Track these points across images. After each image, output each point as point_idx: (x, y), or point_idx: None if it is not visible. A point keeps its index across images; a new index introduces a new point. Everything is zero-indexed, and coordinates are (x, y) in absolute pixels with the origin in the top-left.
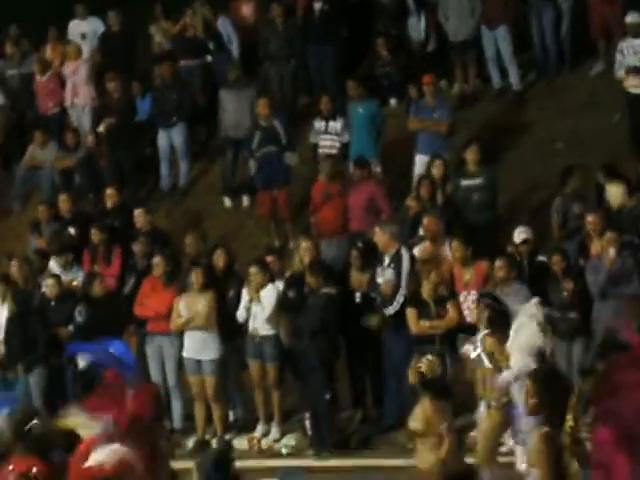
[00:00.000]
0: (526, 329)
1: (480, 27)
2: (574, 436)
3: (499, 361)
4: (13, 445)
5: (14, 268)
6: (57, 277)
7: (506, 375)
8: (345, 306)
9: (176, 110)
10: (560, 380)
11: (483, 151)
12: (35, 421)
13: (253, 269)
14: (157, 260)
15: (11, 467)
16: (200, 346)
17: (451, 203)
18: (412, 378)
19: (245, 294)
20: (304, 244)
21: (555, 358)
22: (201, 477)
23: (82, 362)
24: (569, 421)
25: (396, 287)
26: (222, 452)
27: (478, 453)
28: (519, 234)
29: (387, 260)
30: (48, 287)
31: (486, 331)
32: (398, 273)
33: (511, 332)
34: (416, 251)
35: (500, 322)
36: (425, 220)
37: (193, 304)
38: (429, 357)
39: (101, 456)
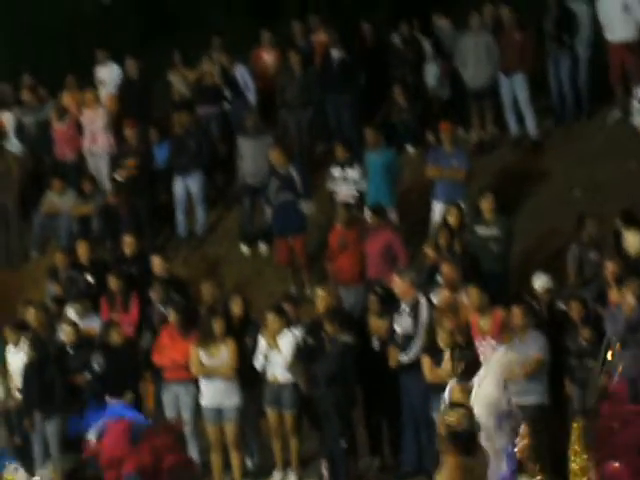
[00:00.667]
0: (488, 379)
1: (497, 74)
2: (585, 474)
3: None
4: None
5: (31, 315)
6: (74, 324)
7: None
8: (363, 353)
9: (194, 157)
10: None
11: (498, 200)
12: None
13: (270, 315)
14: (171, 312)
15: None
16: (222, 394)
17: (468, 251)
18: (441, 429)
19: (262, 341)
20: (320, 292)
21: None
22: None
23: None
24: (577, 462)
25: (412, 336)
26: None
27: None
28: (539, 282)
29: (406, 308)
30: (65, 333)
31: (455, 381)
32: (416, 322)
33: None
34: (434, 299)
35: (472, 373)
36: (444, 268)
37: (215, 353)
38: (459, 410)
39: None
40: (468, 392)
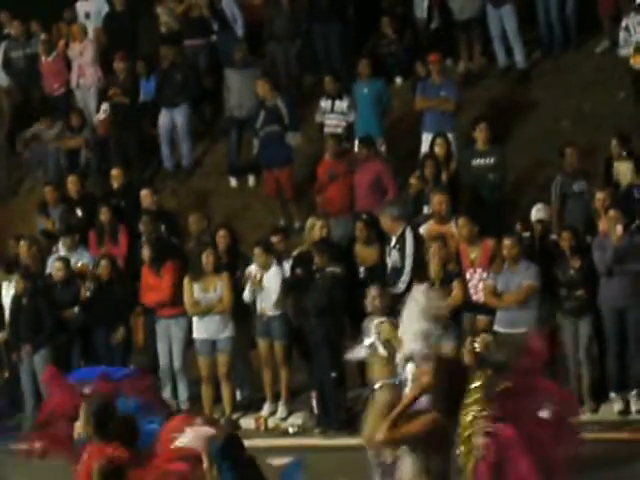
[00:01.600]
0: (411, 315)
1: (485, 5)
2: (474, 429)
3: (395, 347)
4: (93, 434)
5: (23, 249)
6: (64, 260)
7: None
8: (350, 283)
9: (180, 90)
10: (460, 371)
11: (492, 129)
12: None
13: (257, 250)
14: (144, 246)
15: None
16: (217, 327)
17: (455, 181)
18: (467, 359)
19: (250, 275)
20: (314, 222)
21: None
22: (211, 461)
23: None
24: (470, 414)
25: (401, 269)
26: (231, 437)
27: (367, 428)
28: (537, 212)
29: (393, 241)
30: (55, 270)
31: (382, 318)
32: (402, 254)
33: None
34: (423, 229)
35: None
36: (434, 198)
37: (209, 287)
38: (483, 335)
39: (188, 438)
40: (395, 328)
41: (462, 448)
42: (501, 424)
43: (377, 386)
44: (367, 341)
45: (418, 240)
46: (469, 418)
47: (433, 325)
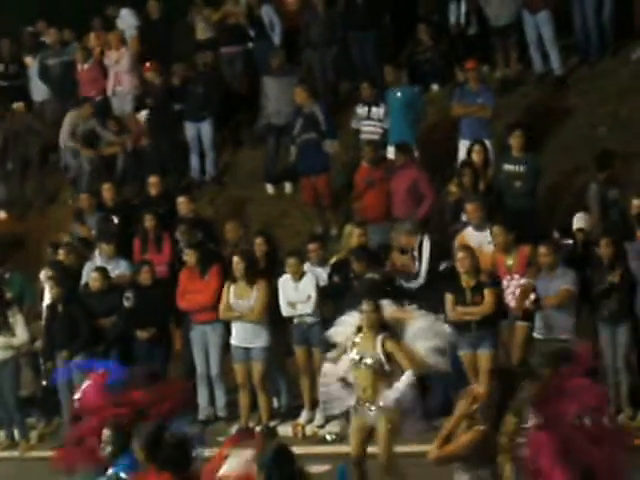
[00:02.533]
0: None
1: (521, 11)
2: (513, 438)
3: (399, 363)
4: (145, 461)
5: (61, 255)
6: (102, 270)
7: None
8: (388, 291)
9: (204, 105)
10: (513, 382)
11: (527, 136)
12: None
13: (291, 260)
14: (187, 251)
15: None
16: (251, 335)
17: (492, 189)
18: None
19: (285, 285)
20: (350, 229)
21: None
22: (261, 471)
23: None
24: (512, 424)
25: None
26: (282, 448)
27: (381, 459)
28: (577, 221)
29: (414, 254)
30: (92, 280)
31: (385, 333)
32: (420, 259)
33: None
34: (461, 236)
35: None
36: (468, 207)
37: (243, 294)
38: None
39: (233, 465)
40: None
41: (500, 457)
42: (536, 431)
43: (382, 403)
44: (352, 354)
45: (437, 246)
46: (509, 427)
47: (441, 341)
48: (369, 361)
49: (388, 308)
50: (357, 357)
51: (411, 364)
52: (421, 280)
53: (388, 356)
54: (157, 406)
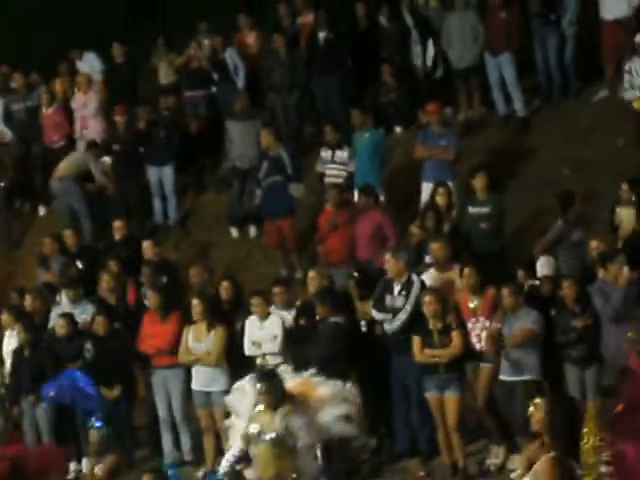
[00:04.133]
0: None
1: (484, 53)
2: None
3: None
4: None
5: (28, 301)
6: (68, 316)
7: None
8: (354, 334)
9: (163, 149)
10: (572, 407)
11: (490, 178)
12: None
13: (255, 300)
14: (150, 294)
15: None
16: (209, 378)
17: (457, 231)
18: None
19: (249, 326)
20: (311, 274)
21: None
22: None
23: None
24: (590, 441)
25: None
26: None
27: None
28: (541, 268)
29: (398, 287)
30: (58, 326)
31: (286, 406)
32: (406, 299)
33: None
34: (425, 277)
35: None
36: (433, 246)
37: (201, 338)
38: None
39: None
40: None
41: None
42: (622, 446)
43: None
44: (252, 429)
45: (424, 286)
46: (588, 446)
47: (348, 408)
48: (270, 436)
49: (289, 380)
50: (256, 431)
51: (312, 436)
52: (403, 318)
53: (290, 430)
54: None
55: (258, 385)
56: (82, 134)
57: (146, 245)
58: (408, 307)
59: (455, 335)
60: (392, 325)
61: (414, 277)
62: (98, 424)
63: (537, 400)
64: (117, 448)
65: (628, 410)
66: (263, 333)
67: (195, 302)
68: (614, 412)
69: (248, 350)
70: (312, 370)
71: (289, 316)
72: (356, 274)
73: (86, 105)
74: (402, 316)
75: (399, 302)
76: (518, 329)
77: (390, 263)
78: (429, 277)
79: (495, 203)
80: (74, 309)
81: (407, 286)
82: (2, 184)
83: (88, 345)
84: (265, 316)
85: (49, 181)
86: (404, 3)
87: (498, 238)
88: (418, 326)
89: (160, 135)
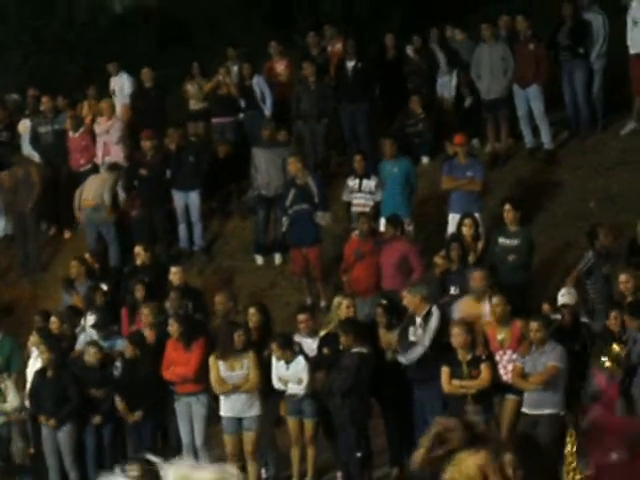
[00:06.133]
0: None
1: (512, 86)
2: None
3: None
4: None
5: (54, 324)
6: (97, 345)
7: None
8: (379, 364)
9: (193, 174)
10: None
11: (519, 210)
12: None
13: (274, 346)
14: (171, 322)
15: None
16: (244, 405)
17: (483, 262)
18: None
19: (276, 364)
20: (341, 301)
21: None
22: None
23: None
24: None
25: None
26: None
27: None
28: (562, 297)
29: (418, 320)
30: (89, 355)
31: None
32: (425, 331)
33: None
34: (458, 307)
35: None
36: (475, 275)
37: (236, 366)
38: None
39: None
40: None
41: None
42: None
43: None
44: None
45: (443, 320)
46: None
47: None
48: None
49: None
50: None
51: None
52: (421, 350)
53: None
54: None
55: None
56: (104, 160)
57: (174, 271)
58: (426, 341)
59: (484, 367)
60: (405, 357)
61: (434, 309)
62: None
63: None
64: None
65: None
66: (289, 373)
67: (239, 333)
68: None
69: (276, 383)
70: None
71: (314, 344)
72: (384, 302)
73: (109, 131)
74: (419, 349)
75: (419, 335)
76: (542, 365)
77: (407, 299)
78: (460, 308)
79: (525, 236)
80: (100, 333)
81: (426, 319)
82: (30, 206)
83: (118, 363)
84: (289, 359)
85: (74, 205)
86: (432, 35)
87: (526, 271)
88: (447, 357)
89: (189, 160)
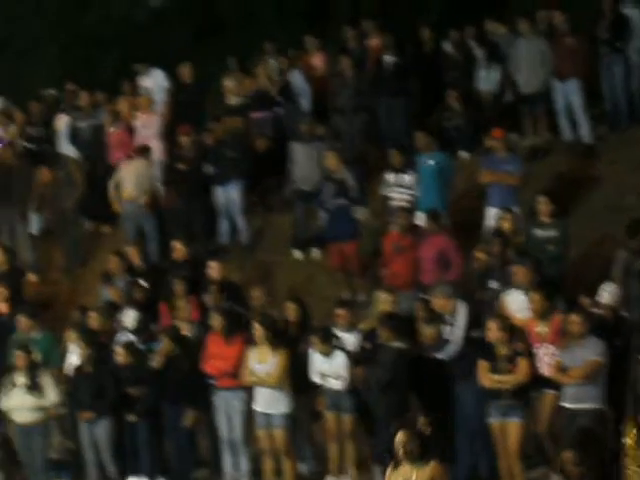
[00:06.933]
0: None
1: (551, 79)
2: None
3: None
4: None
5: (93, 319)
6: (129, 345)
7: None
8: (414, 361)
9: (233, 167)
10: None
11: (555, 204)
12: None
13: (315, 339)
14: (214, 316)
15: None
16: (270, 401)
17: (525, 255)
18: None
19: (314, 358)
20: (384, 297)
21: None
22: None
23: None
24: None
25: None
26: None
27: None
28: (605, 294)
29: (448, 319)
30: (118, 355)
31: None
32: (454, 327)
33: None
34: (509, 299)
35: None
36: (518, 270)
37: (263, 359)
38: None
39: None
40: None
41: None
42: None
43: None
44: None
45: (477, 314)
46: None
47: None
48: None
49: None
50: None
51: None
52: (454, 347)
53: None
54: None
55: None
56: None
57: (213, 265)
58: (457, 337)
59: (521, 362)
60: (445, 354)
61: (459, 306)
62: None
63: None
64: None
65: None
66: (328, 368)
67: (256, 326)
68: None
69: (314, 378)
70: None
71: (352, 339)
72: (424, 297)
73: (147, 126)
74: (452, 347)
75: (449, 333)
76: (582, 359)
77: (434, 302)
78: (508, 301)
79: (562, 227)
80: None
81: (454, 316)
82: (71, 203)
83: (153, 362)
84: (328, 353)
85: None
86: (469, 30)
87: (562, 263)
88: (484, 351)
89: (229, 155)
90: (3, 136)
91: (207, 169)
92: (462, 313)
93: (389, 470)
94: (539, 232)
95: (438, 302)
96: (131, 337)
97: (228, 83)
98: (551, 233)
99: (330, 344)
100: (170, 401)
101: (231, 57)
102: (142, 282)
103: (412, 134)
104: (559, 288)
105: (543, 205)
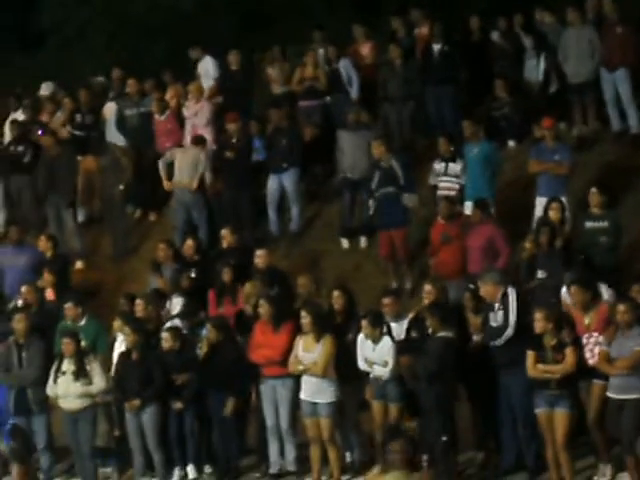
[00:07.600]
0: None
1: (600, 69)
2: None
3: None
4: None
5: (140, 306)
6: (174, 330)
7: None
8: (461, 350)
9: (287, 155)
10: None
11: (605, 194)
12: None
13: (364, 322)
14: (262, 303)
15: None
16: (316, 389)
17: (569, 247)
18: None
19: (362, 344)
20: (432, 286)
21: None
22: None
23: None
24: None
25: (503, 327)
26: None
27: None
28: None
29: (497, 305)
30: (164, 340)
31: None
32: (506, 312)
33: None
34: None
35: None
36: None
37: (309, 348)
38: None
39: None
40: None
41: None
42: None
43: None
44: None
45: (525, 302)
46: None
47: None
48: None
49: None
50: None
51: None
52: (510, 331)
53: None
54: None
55: None
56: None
57: (260, 254)
58: (511, 320)
59: (569, 352)
60: (497, 341)
61: (509, 290)
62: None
63: None
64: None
65: None
66: (375, 355)
67: (303, 314)
68: None
69: (361, 365)
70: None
71: (399, 328)
72: (472, 286)
73: (197, 114)
74: (509, 332)
75: (499, 318)
76: (629, 350)
77: (482, 290)
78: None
79: (613, 218)
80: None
81: (504, 301)
82: (121, 187)
83: (199, 350)
84: (377, 339)
85: (159, 187)
86: (517, 19)
87: (614, 253)
88: (532, 341)
89: (282, 143)
90: (47, 123)
91: (256, 157)
92: (513, 298)
93: (373, 473)
94: (590, 224)
95: (486, 288)
96: (177, 323)
97: (271, 72)
98: (603, 224)
99: (380, 329)
100: (215, 389)
101: (277, 46)
102: (190, 271)
103: (460, 123)
104: (599, 277)
105: (594, 196)
